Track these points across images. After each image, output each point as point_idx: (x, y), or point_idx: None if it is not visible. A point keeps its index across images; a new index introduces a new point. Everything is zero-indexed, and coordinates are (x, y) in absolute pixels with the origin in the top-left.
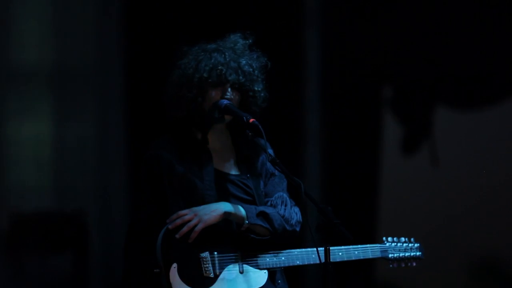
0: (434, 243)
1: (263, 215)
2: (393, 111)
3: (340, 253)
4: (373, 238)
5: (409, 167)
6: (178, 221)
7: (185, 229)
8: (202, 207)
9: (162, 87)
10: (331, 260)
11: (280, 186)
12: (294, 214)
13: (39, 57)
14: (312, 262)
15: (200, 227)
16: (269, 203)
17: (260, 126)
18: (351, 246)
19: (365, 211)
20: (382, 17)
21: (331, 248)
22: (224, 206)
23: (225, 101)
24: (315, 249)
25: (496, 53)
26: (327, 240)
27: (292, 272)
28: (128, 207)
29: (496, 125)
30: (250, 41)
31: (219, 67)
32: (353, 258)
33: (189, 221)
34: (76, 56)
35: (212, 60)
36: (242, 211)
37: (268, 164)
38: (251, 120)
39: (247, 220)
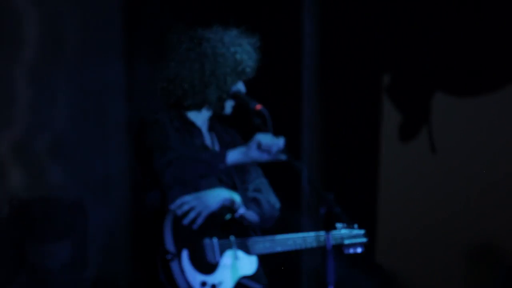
0: (432, 230)
1: (255, 201)
2: (392, 98)
3: (309, 240)
4: (373, 225)
5: (408, 154)
6: (186, 207)
7: (193, 214)
8: (204, 193)
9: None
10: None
11: (257, 172)
12: (276, 200)
13: (37, 44)
14: (289, 249)
15: (205, 213)
16: (252, 188)
17: (266, 114)
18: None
19: (364, 198)
20: (381, 5)
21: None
22: (224, 193)
23: (233, 88)
24: (293, 235)
25: (494, 40)
26: (329, 226)
27: (289, 260)
28: (129, 195)
29: (494, 112)
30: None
31: (243, 65)
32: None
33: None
34: (74, 44)
35: (238, 55)
36: (237, 197)
37: None
38: (258, 107)
39: (243, 206)
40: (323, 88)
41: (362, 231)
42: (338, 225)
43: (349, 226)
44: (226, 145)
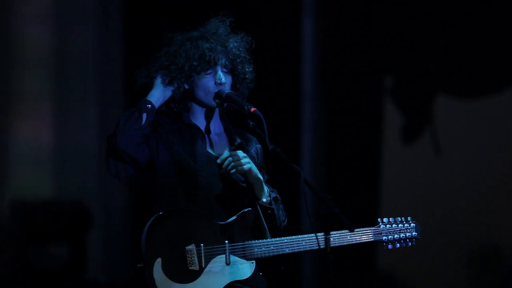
0: (434, 232)
1: (275, 200)
2: (394, 100)
3: (332, 239)
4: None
5: (410, 156)
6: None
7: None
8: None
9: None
10: (322, 246)
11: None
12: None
13: (39, 44)
14: (302, 250)
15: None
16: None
17: (261, 116)
18: (344, 231)
19: (365, 200)
20: (382, 6)
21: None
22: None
23: (227, 90)
24: (305, 236)
25: (496, 41)
26: (327, 229)
27: (289, 261)
28: (128, 197)
29: (496, 114)
30: (230, 22)
31: (208, 53)
32: (345, 243)
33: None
34: (77, 45)
35: (199, 48)
36: (264, 186)
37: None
38: (252, 109)
39: (268, 198)
40: (324, 89)
41: (412, 224)
42: (384, 220)
43: (401, 221)
44: (239, 146)
